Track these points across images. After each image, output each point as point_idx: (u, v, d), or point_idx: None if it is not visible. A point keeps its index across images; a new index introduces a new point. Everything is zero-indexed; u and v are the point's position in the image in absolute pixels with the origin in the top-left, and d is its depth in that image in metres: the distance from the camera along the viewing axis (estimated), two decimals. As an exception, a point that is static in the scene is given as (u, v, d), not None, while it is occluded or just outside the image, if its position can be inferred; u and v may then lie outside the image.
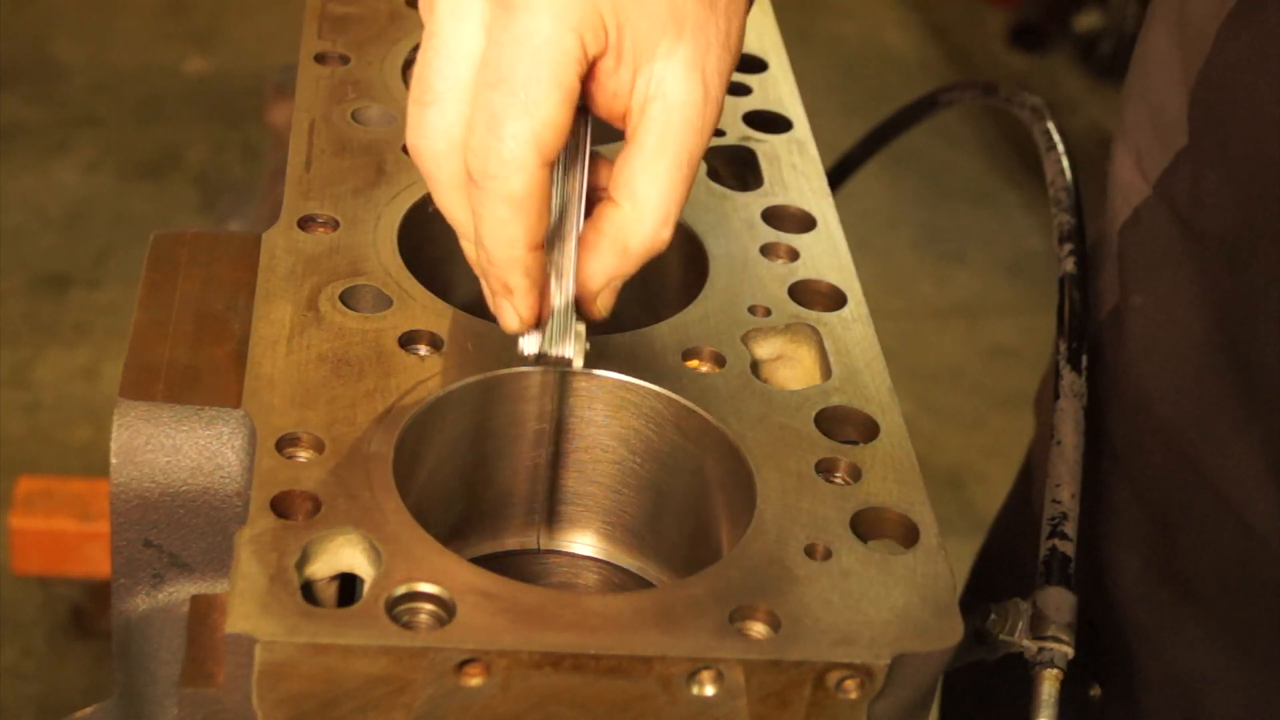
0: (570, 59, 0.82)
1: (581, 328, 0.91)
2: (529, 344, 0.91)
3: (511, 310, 0.89)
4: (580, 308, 0.90)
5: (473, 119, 0.83)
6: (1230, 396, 1.08)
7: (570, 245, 0.89)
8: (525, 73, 0.81)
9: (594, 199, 0.90)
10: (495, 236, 0.85)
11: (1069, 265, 1.18)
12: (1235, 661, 1.13)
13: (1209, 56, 1.06)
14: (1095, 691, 0.98)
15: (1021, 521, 1.37)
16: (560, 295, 0.90)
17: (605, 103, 0.86)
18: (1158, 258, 1.14)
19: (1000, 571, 1.36)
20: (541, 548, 1.02)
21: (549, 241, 0.88)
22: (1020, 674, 0.98)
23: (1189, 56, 1.09)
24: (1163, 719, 1.19)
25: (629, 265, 0.89)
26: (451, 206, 0.87)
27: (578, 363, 0.92)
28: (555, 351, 0.91)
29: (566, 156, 0.88)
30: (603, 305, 0.90)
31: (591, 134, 0.90)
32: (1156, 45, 1.15)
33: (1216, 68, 1.06)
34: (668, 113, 0.85)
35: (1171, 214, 1.13)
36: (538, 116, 0.82)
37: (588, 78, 0.84)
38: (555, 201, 0.88)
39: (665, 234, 0.87)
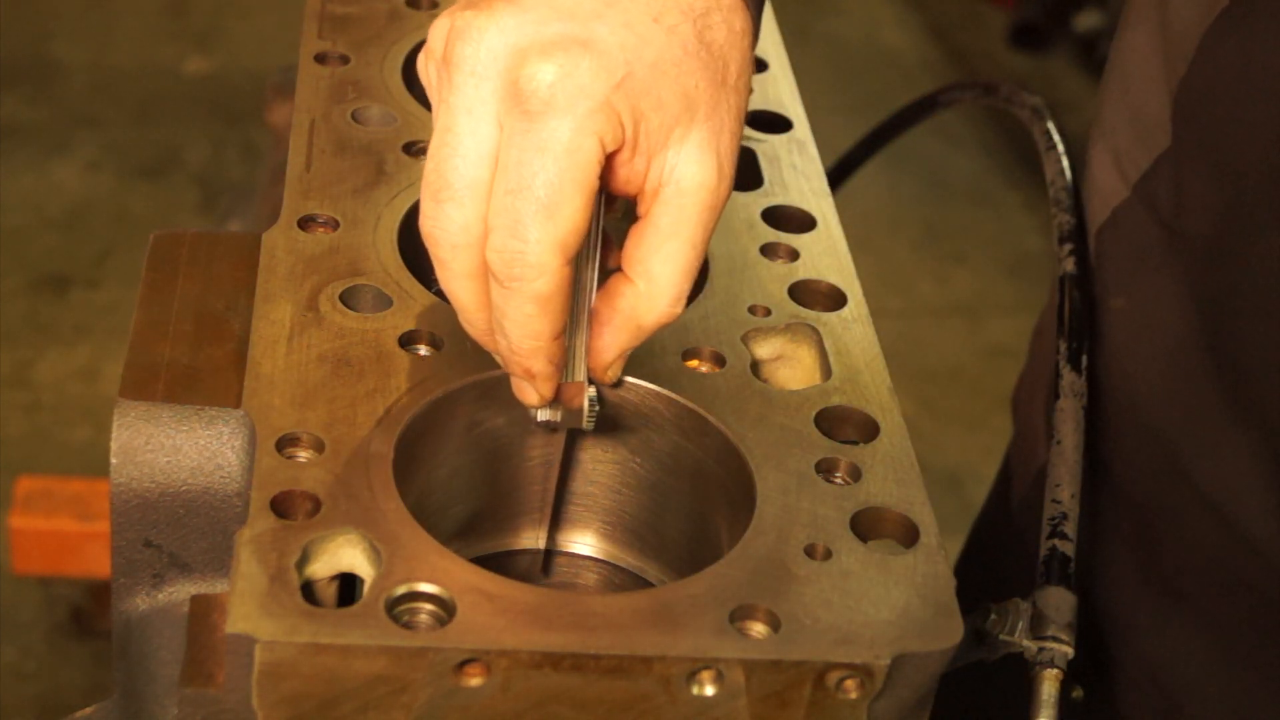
0: (590, 160, 0.82)
1: (593, 392, 0.92)
2: (544, 412, 0.92)
3: (533, 391, 0.90)
4: (591, 375, 0.92)
5: (494, 222, 0.83)
6: (1216, 398, 1.08)
7: (584, 320, 0.90)
8: (546, 179, 0.82)
9: (606, 271, 0.91)
10: (519, 330, 0.86)
11: (1069, 265, 1.18)
12: (1218, 662, 1.13)
13: (1193, 61, 1.06)
14: (1077, 693, 0.98)
15: (1000, 522, 1.37)
16: (579, 371, 0.91)
17: (619, 186, 0.87)
18: (1138, 259, 1.14)
19: (978, 573, 1.36)
20: (543, 547, 1.02)
21: (568, 322, 0.89)
22: (1019, 674, 0.98)
23: (1171, 60, 1.09)
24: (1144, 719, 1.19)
25: (641, 338, 0.90)
26: (462, 293, 0.88)
27: (589, 426, 0.93)
28: (571, 420, 0.93)
29: (584, 242, 0.89)
30: (614, 374, 0.92)
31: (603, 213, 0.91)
32: (1136, 48, 1.15)
33: (1201, 72, 1.05)
34: (681, 196, 0.86)
35: (1152, 216, 1.12)
36: (561, 221, 0.82)
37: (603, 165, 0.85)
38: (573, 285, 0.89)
39: (677, 310, 0.89)
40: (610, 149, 0.83)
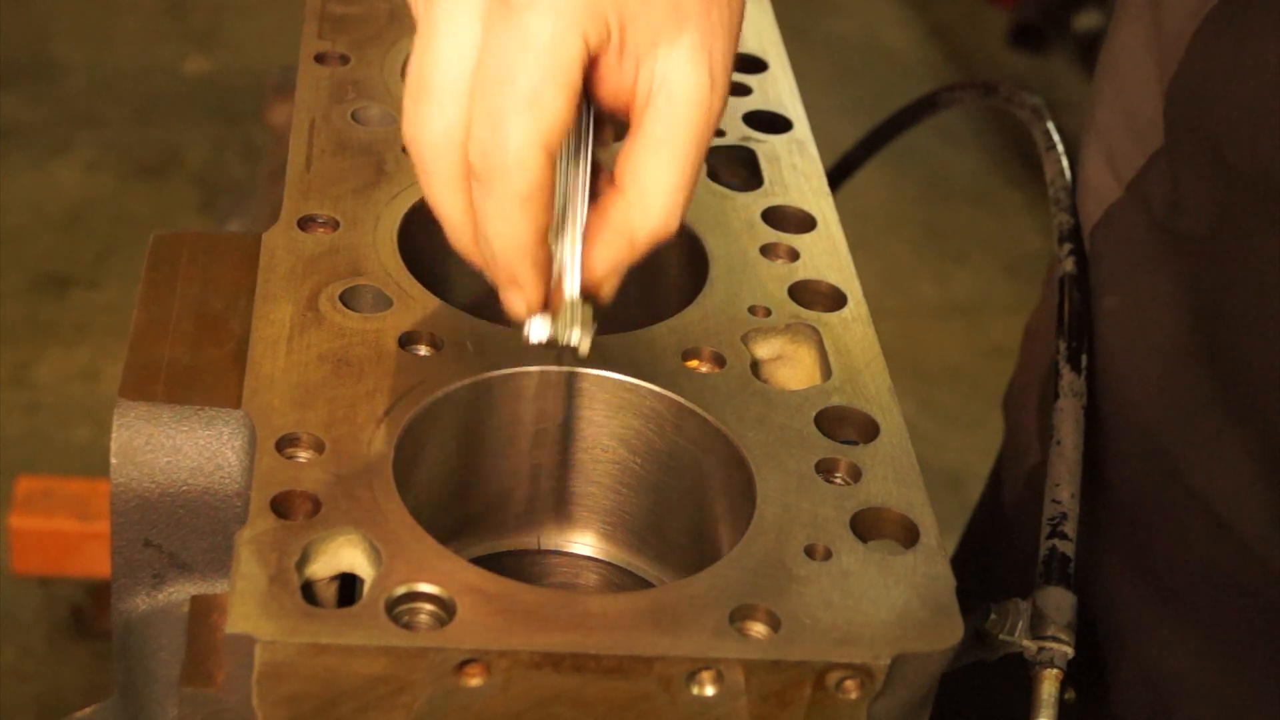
0: (573, 56, 0.81)
1: (589, 312, 0.90)
2: (536, 330, 0.90)
3: (519, 299, 0.89)
4: (585, 293, 0.89)
5: (475, 117, 0.83)
6: (1209, 397, 1.08)
7: (575, 233, 0.88)
8: (528, 72, 0.81)
9: (597, 188, 0.90)
10: (501, 231, 0.85)
11: (1069, 265, 1.18)
12: (1210, 663, 1.13)
13: (1185, 57, 1.06)
14: (1070, 695, 0.98)
15: (992, 524, 1.36)
16: (567, 284, 0.89)
17: (608, 96, 0.85)
18: (1132, 259, 1.14)
19: (972, 574, 1.36)
20: (542, 548, 1.02)
21: (554, 230, 0.88)
22: (1019, 674, 0.98)
23: (1164, 57, 1.09)
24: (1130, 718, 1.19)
25: (635, 254, 0.88)
26: (443, 200, 0.87)
27: (584, 347, 0.91)
28: (564, 338, 0.91)
29: (569, 146, 0.88)
30: (608, 292, 0.89)
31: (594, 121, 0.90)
32: (1128, 46, 1.15)
33: (1193, 69, 1.05)
34: (673, 104, 0.84)
35: (1146, 215, 1.12)
36: (542, 114, 0.81)
37: (590, 71, 0.84)
38: (559, 190, 0.88)
39: (672, 224, 0.87)
40: (594, 49, 0.82)
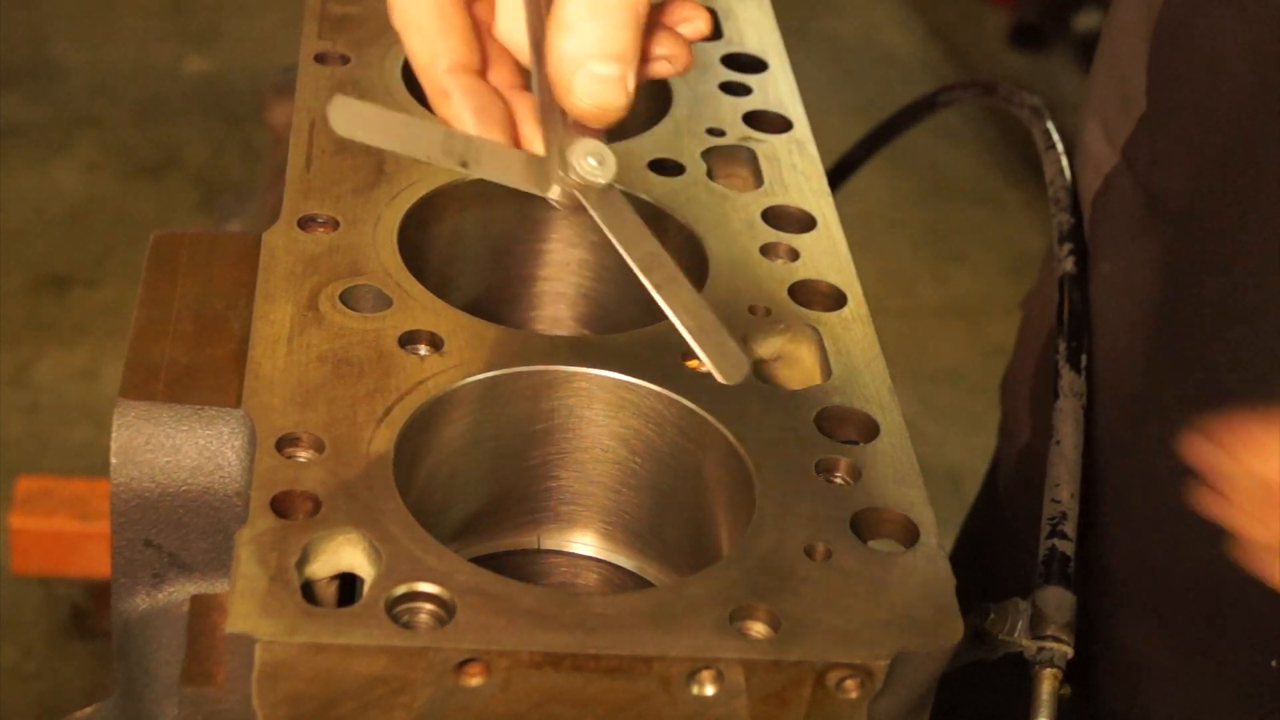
0: None
1: (587, 144, 0.83)
2: (553, 190, 0.86)
3: (451, 101, 0.86)
4: (569, 115, 0.81)
5: None
6: (1177, 366, 1.08)
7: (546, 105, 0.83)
8: None
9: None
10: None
11: (1069, 265, 1.18)
12: (1166, 649, 1.13)
13: (1158, 20, 1.07)
14: (1064, 691, 0.99)
15: (989, 510, 1.37)
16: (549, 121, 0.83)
17: None
18: (1124, 224, 1.15)
19: (969, 563, 1.37)
20: (542, 548, 1.02)
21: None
22: (1019, 674, 0.98)
23: (1150, 21, 1.10)
24: (1108, 705, 1.19)
25: (608, 28, 0.76)
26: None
27: (605, 176, 0.83)
28: (572, 177, 0.84)
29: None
30: (583, 92, 0.77)
31: None
32: (1123, 18, 1.16)
33: (1168, 20, 1.06)
34: None
35: (1135, 179, 1.13)
36: None
37: None
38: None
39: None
40: None
